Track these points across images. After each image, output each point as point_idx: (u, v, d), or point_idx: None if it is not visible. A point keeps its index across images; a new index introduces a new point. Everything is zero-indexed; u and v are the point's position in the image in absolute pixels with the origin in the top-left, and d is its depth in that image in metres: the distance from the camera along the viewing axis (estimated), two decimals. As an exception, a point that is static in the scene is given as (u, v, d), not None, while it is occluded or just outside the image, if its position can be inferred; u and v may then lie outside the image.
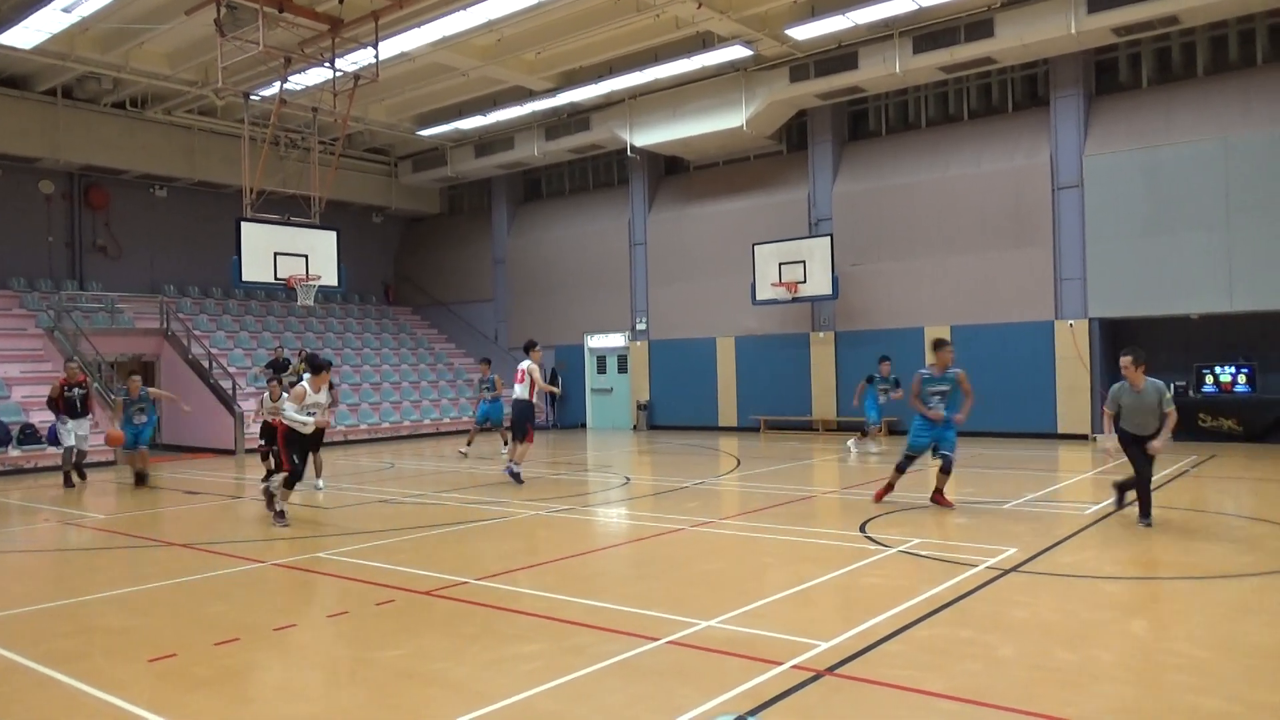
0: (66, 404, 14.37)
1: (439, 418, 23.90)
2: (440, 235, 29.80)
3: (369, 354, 25.60)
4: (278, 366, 22.69)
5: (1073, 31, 16.18)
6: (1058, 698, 4.40)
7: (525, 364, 13.07)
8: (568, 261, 25.83)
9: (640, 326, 24.32)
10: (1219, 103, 16.73)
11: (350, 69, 17.15)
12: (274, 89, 18.37)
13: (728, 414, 22.59)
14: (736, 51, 18.46)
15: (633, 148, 22.28)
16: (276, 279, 17.66)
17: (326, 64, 16.71)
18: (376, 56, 16.45)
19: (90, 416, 14.96)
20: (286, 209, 18.99)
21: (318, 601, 6.65)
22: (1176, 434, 17.35)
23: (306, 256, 18.06)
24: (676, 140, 21.66)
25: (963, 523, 9.36)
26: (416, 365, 26.11)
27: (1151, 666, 4.80)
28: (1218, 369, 17.09)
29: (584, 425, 25.48)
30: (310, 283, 18.10)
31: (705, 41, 18.57)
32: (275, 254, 17.58)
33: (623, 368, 25.05)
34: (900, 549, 7.82)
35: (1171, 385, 17.41)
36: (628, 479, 13.74)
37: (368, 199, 27.62)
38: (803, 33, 17.60)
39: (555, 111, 22.81)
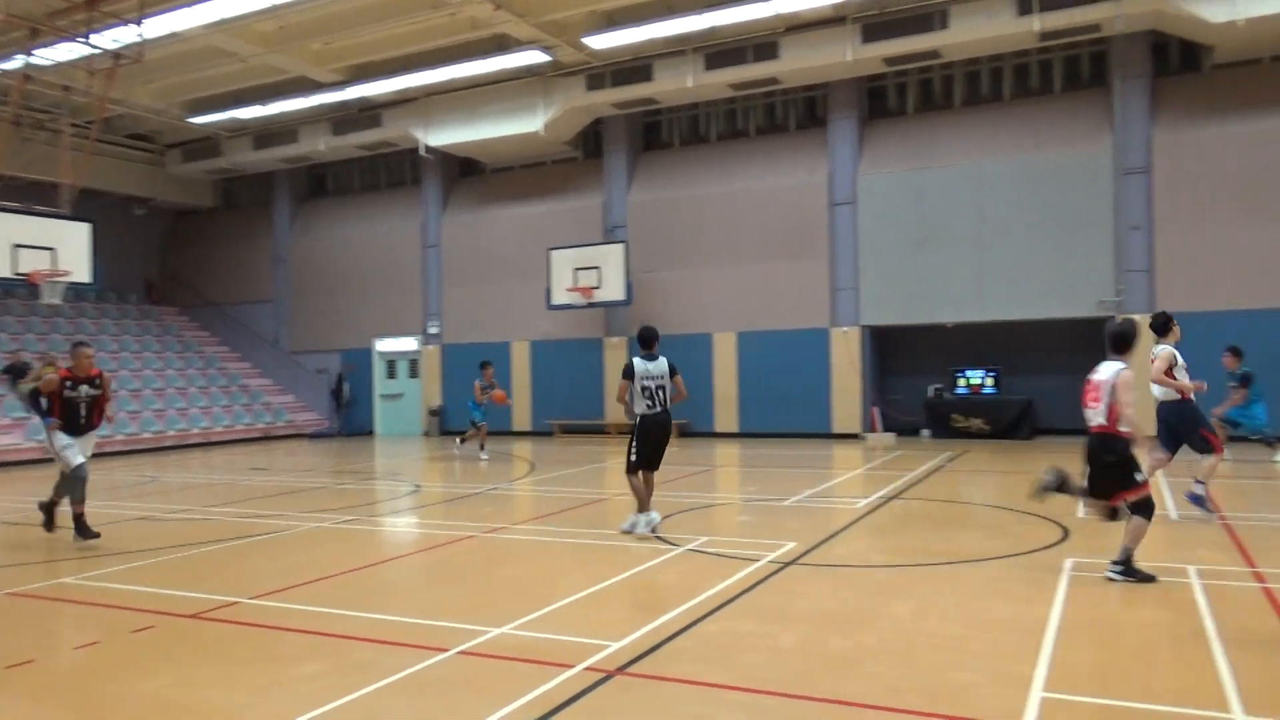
0: (67, 408, 9.22)
1: (209, 426, 22.24)
2: (214, 231, 27.78)
3: (128, 358, 23.44)
4: (16, 371, 20.35)
5: (849, 59, 17.35)
6: (831, 681, 4.65)
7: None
8: (356, 262, 24.81)
9: (433, 330, 23.74)
10: (973, 132, 18.49)
11: (111, 46, 15.66)
12: (17, 62, 16.45)
13: (521, 418, 22.46)
14: (534, 56, 18.44)
15: (427, 147, 21.74)
16: (16, 274, 15.84)
17: (81, 39, 15.18)
18: (140, 35, 15.14)
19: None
20: (30, 196, 17.06)
21: (62, 633, 5.97)
22: (935, 432, 18.97)
23: (54, 250, 16.32)
24: (473, 142, 21.34)
25: (747, 520, 9.76)
26: (184, 370, 24.17)
27: (912, 646, 5.17)
28: (969, 372, 18.83)
29: (371, 432, 24.54)
30: (57, 279, 16.36)
31: (502, 44, 18.42)
32: (14, 246, 15.77)
33: (414, 372, 24.35)
34: (689, 547, 8.04)
35: (930, 388, 19.15)
36: (417, 486, 13.34)
37: (129, 189, 25.27)
38: (600, 42, 17.83)
39: (344, 105, 21.87)
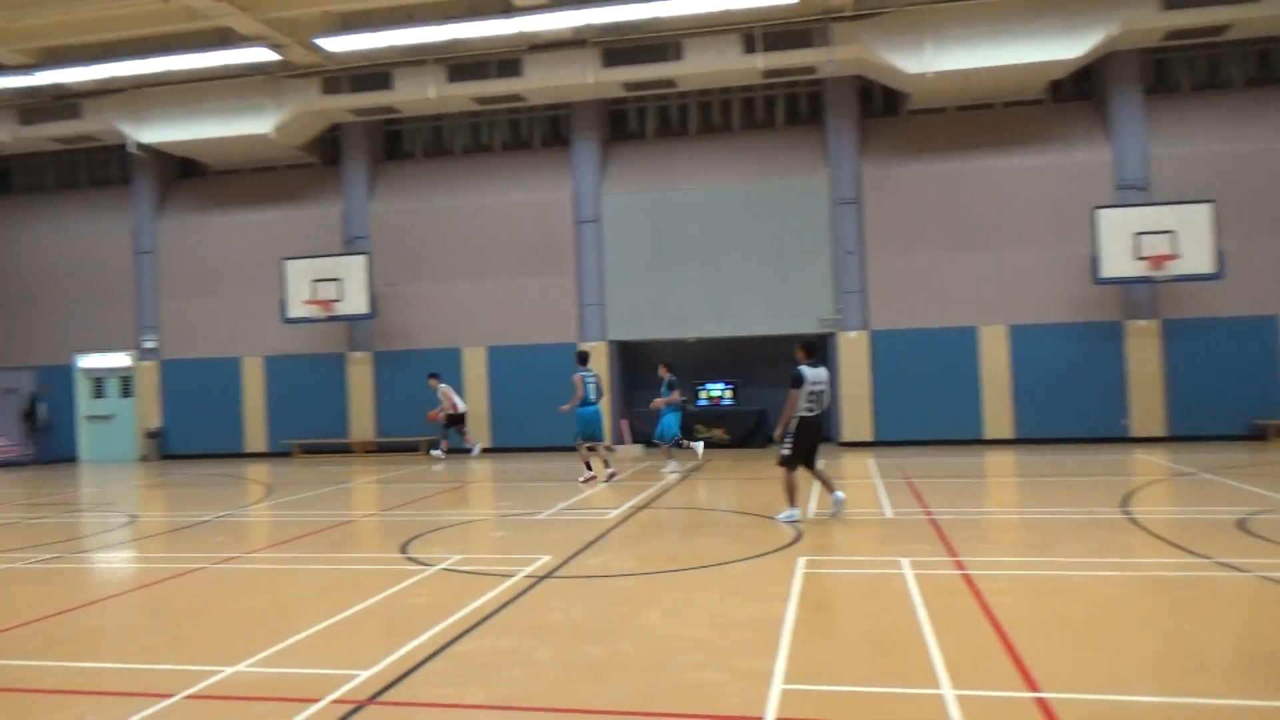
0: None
1: None
2: None
3: None
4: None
5: (591, 81, 17.81)
6: (588, 691, 4.71)
7: None
8: (51, 268, 22.11)
9: (149, 344, 21.59)
10: (707, 159, 19.56)
11: None
12: None
13: (256, 439, 20.97)
14: (261, 54, 17.31)
15: (138, 144, 19.77)
16: None
17: None
18: None
19: None
20: None
21: None
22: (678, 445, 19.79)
23: None
24: (192, 141, 19.67)
25: (501, 536, 9.69)
26: None
27: (663, 650, 5.36)
28: (710, 385, 19.86)
29: (75, 458, 21.89)
30: None
31: (225, 39, 17.15)
32: None
33: (127, 391, 22.00)
34: (441, 567, 7.85)
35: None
36: (134, 516, 12.05)
37: None
38: (334, 45, 17.07)
39: (34, 91, 19.39)
